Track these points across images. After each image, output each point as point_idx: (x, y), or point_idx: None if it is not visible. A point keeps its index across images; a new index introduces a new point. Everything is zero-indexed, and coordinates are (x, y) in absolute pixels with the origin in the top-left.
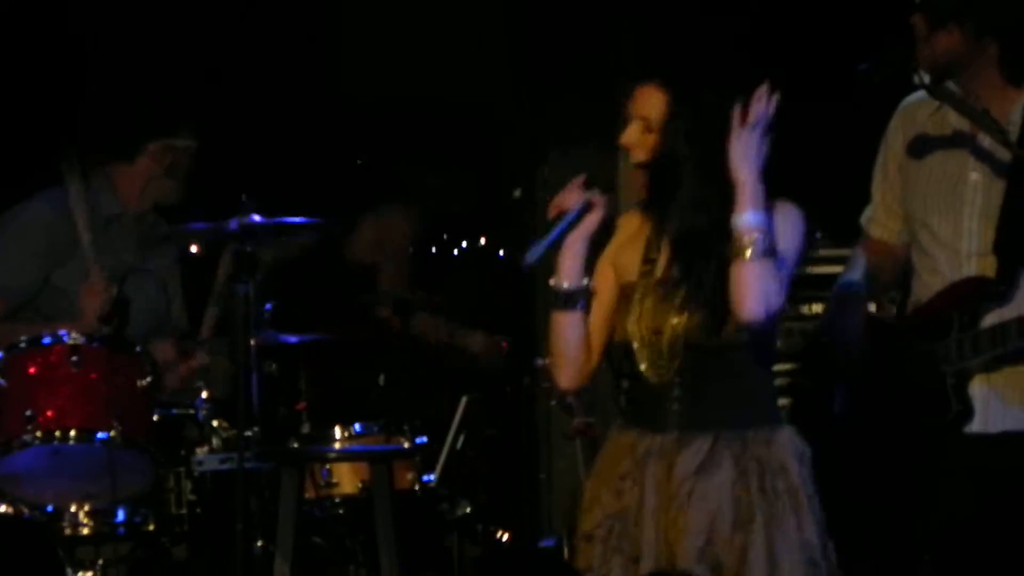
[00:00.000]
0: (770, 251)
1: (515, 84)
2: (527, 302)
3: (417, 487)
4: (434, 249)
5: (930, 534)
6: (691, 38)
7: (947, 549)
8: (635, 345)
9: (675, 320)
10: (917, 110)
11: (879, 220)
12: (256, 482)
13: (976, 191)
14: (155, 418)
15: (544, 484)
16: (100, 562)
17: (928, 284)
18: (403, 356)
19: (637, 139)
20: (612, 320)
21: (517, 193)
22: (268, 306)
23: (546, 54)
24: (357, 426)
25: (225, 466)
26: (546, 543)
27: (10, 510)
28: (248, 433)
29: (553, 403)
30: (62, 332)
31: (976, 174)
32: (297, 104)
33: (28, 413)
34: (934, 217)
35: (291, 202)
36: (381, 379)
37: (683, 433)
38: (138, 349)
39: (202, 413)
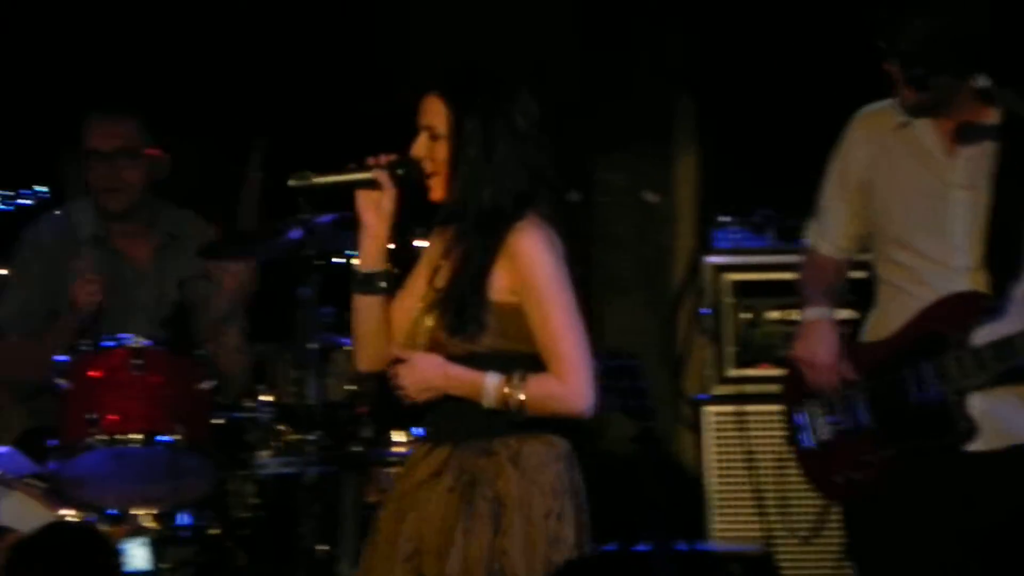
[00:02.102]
0: (523, 400)
1: (571, 86)
2: (583, 304)
3: None
4: None
5: (933, 556)
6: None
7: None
8: None
9: (425, 326)
10: (879, 122)
11: (831, 237)
12: (318, 486)
13: (962, 206)
14: (217, 421)
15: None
16: (165, 566)
17: (917, 296)
18: None
19: (425, 149)
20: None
21: (573, 196)
22: (329, 310)
23: (602, 55)
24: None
25: (287, 470)
26: (607, 548)
27: (74, 514)
28: (310, 437)
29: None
30: (125, 336)
31: (960, 190)
32: (350, 111)
33: (91, 416)
34: (918, 233)
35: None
36: None
37: (433, 446)
38: (200, 352)
39: (264, 417)
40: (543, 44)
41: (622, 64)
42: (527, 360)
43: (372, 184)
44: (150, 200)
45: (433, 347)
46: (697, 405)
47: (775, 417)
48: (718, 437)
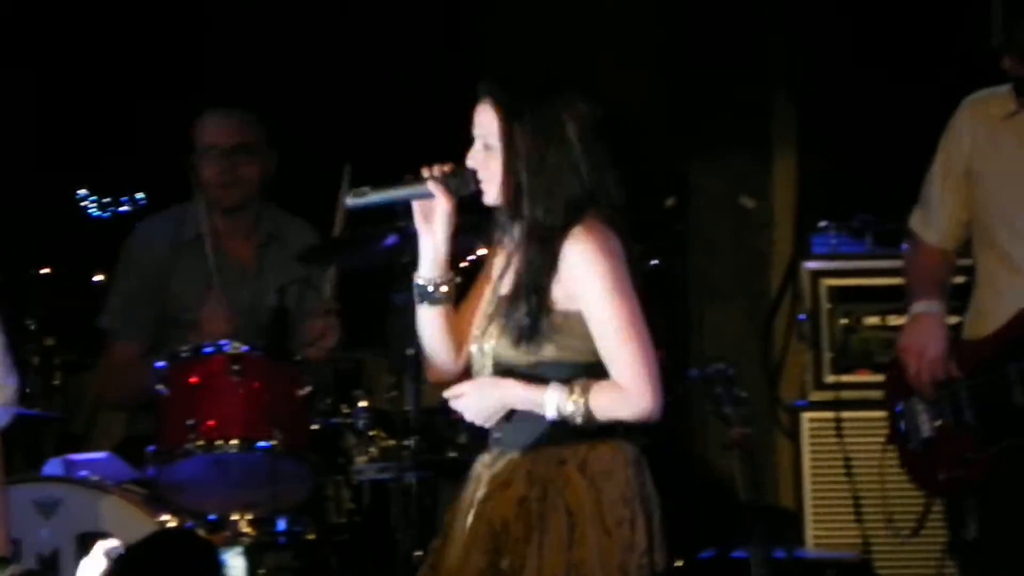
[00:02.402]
0: (587, 409)
1: (667, 90)
2: (680, 310)
3: None
4: None
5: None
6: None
7: None
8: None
9: (491, 336)
10: (987, 109)
11: (938, 226)
12: (415, 492)
13: None
14: (314, 427)
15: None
16: (262, 571)
17: (1020, 291)
18: None
19: (479, 159)
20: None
21: (670, 202)
22: None
23: (700, 59)
24: None
25: (384, 475)
26: (705, 555)
27: (174, 519)
28: (407, 443)
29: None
30: (223, 342)
31: None
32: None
33: (190, 422)
34: (1021, 226)
35: None
36: None
37: (499, 453)
38: (298, 358)
39: (361, 422)
40: (641, 50)
41: (720, 68)
42: (593, 367)
43: (428, 195)
44: (257, 197)
45: (500, 356)
46: (794, 411)
47: (873, 423)
48: (815, 443)
